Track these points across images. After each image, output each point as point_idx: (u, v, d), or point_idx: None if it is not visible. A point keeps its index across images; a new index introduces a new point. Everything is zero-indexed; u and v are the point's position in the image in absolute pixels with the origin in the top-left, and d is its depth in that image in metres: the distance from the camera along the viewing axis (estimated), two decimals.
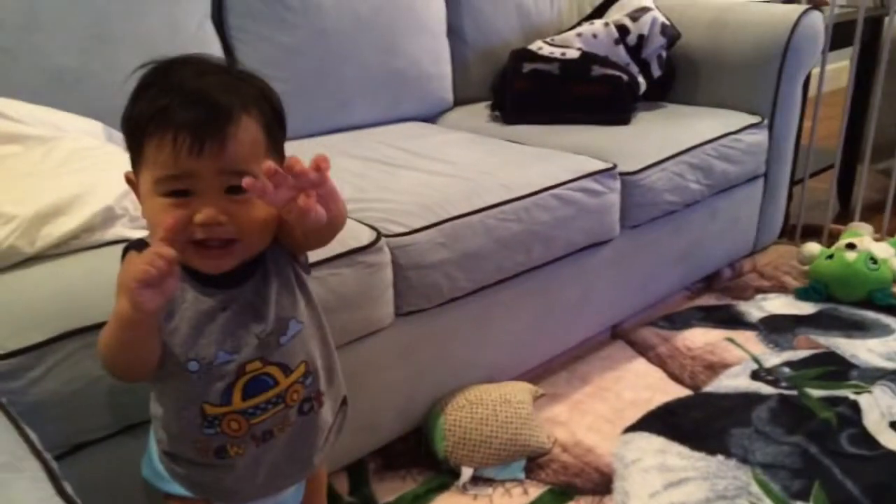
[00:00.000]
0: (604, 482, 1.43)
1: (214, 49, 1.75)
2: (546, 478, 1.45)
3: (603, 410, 1.65)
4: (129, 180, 0.86)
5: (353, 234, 1.30)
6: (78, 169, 1.22)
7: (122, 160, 1.32)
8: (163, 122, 0.77)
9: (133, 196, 1.19)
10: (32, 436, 0.79)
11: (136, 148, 0.80)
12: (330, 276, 1.24)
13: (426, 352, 1.47)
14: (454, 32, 2.22)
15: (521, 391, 1.53)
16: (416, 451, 1.51)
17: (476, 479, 1.44)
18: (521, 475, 1.45)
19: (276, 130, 0.86)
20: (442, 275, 1.40)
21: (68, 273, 1.08)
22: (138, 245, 0.85)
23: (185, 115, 0.76)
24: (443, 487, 1.42)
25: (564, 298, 1.73)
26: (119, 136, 1.49)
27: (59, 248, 1.12)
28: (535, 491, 1.41)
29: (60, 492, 0.70)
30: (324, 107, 1.94)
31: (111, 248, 1.15)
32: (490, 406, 1.46)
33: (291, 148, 1.73)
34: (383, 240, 1.32)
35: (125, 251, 0.87)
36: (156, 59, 0.83)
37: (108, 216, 1.17)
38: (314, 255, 1.22)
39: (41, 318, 0.99)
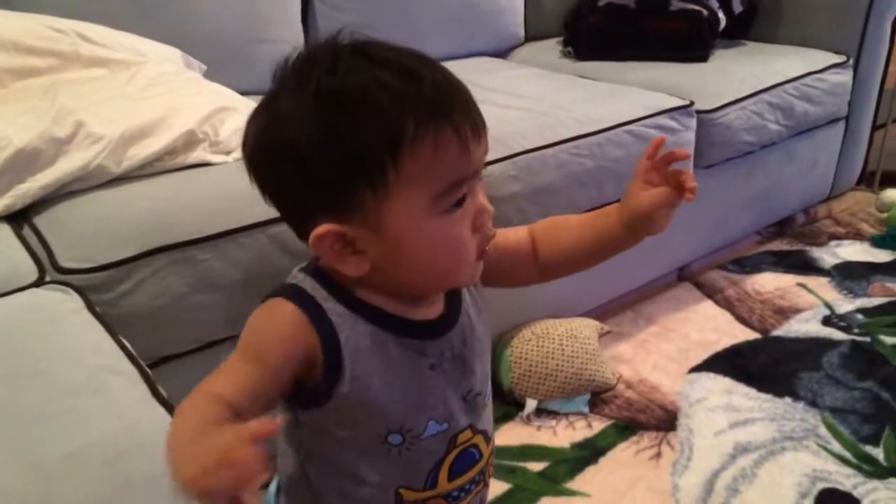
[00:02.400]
0: (668, 419, 1.43)
1: None
2: (610, 413, 1.46)
3: (668, 350, 1.64)
4: (320, 238, 0.59)
5: None
6: (161, 93, 1.25)
7: (202, 86, 1.36)
8: (431, 118, 0.57)
9: (215, 120, 1.23)
10: (127, 344, 0.83)
11: (380, 172, 0.57)
12: None
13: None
14: None
15: (587, 327, 1.53)
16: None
17: (540, 412, 1.46)
18: (586, 409, 1.46)
19: None
20: (513, 208, 1.40)
21: (153, 193, 1.12)
22: (295, 295, 0.63)
23: (450, 102, 0.59)
24: (507, 418, 1.45)
25: None
26: (197, 63, 1.52)
27: (144, 170, 1.16)
28: (599, 425, 1.43)
29: (155, 393, 0.74)
30: (396, 39, 1.89)
31: (193, 170, 1.19)
32: (556, 340, 1.47)
33: None
34: None
35: (270, 296, 0.64)
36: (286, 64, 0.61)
37: (190, 139, 1.19)
38: None
39: (129, 235, 1.03)
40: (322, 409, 0.62)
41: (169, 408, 0.71)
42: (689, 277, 1.94)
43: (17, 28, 1.25)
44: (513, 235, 0.78)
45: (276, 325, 0.61)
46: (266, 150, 0.61)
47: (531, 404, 1.44)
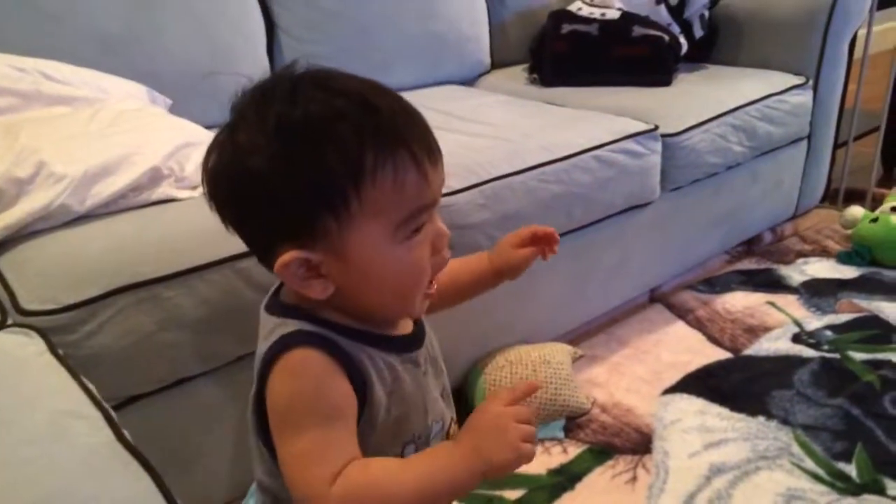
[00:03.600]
0: (643, 442, 1.43)
1: (255, 13, 1.76)
2: (585, 437, 1.46)
3: (641, 372, 1.65)
4: (285, 265, 0.61)
5: None
6: (125, 130, 1.24)
7: (166, 122, 1.35)
8: (390, 147, 0.58)
9: (179, 156, 1.23)
10: (90, 386, 0.81)
11: (342, 202, 0.59)
12: None
13: (465, 312, 1.47)
14: None
15: (559, 352, 1.54)
16: (456, 409, 1.52)
17: None
18: (561, 434, 1.46)
19: None
20: (483, 235, 1.41)
21: (118, 230, 1.10)
22: (308, 340, 0.63)
23: (407, 129, 0.60)
24: None
25: (603, 261, 1.72)
26: (161, 98, 1.52)
27: (108, 207, 1.15)
28: (575, 450, 1.42)
29: (120, 437, 0.73)
30: (363, 70, 1.85)
31: (159, 206, 1.18)
32: (530, 366, 1.47)
33: None
34: None
35: (286, 346, 0.63)
36: (244, 97, 0.63)
37: (156, 176, 1.19)
38: None
39: (93, 275, 1.02)
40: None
41: (133, 451, 0.70)
42: (661, 299, 1.95)
43: None
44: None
45: (324, 377, 0.61)
46: (228, 182, 0.62)
47: None
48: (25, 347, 0.84)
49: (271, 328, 0.65)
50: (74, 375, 0.81)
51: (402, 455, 0.68)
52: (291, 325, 0.64)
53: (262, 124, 0.59)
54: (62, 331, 0.96)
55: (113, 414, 0.76)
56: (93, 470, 0.67)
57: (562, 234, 1.55)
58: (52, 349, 0.85)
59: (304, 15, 1.85)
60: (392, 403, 0.66)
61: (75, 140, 1.18)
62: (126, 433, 0.74)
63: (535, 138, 1.55)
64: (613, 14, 2.02)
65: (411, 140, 0.60)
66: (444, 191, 1.33)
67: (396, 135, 0.59)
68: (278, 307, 0.67)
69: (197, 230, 1.09)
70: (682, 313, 1.88)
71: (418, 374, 0.70)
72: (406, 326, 0.72)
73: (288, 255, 0.60)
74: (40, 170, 1.09)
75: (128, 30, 1.55)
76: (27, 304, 0.97)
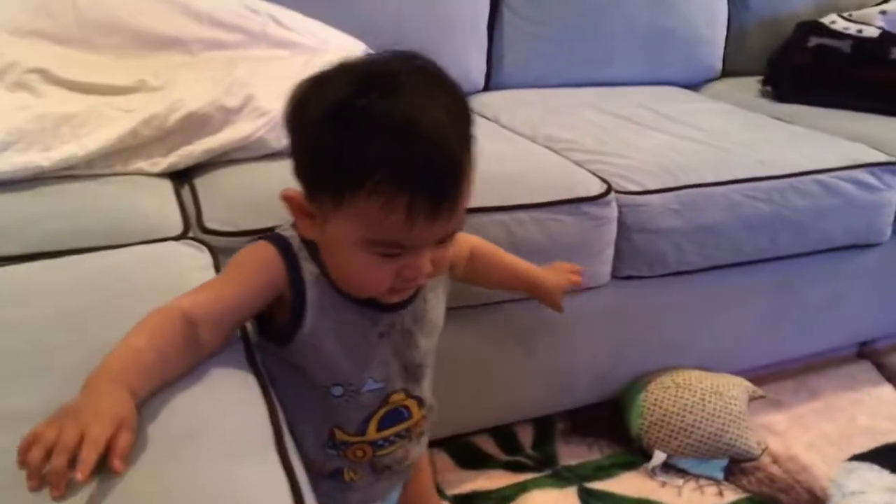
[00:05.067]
0: None
1: None
2: (747, 485, 1.31)
3: (829, 430, 1.46)
4: (288, 198, 0.69)
5: (582, 183, 1.24)
6: None
7: None
8: (396, 181, 0.62)
9: None
10: None
11: (339, 189, 0.64)
12: (550, 220, 1.19)
13: (638, 322, 1.39)
14: None
15: (736, 386, 1.39)
16: (610, 422, 1.43)
17: (668, 467, 1.34)
18: (720, 475, 1.33)
19: None
20: (670, 244, 1.30)
21: None
22: (281, 245, 0.72)
23: (425, 177, 0.63)
24: (630, 466, 1.35)
25: (808, 299, 1.54)
26: None
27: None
28: (732, 495, 1.29)
29: (250, 360, 0.74)
30: (583, 58, 1.88)
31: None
32: (698, 393, 1.35)
33: (543, 96, 1.73)
34: (613, 194, 1.25)
35: (260, 239, 0.74)
36: (365, 59, 0.70)
37: None
38: (535, 196, 1.19)
39: (274, 207, 1.00)
40: (285, 348, 0.73)
41: (257, 373, 0.71)
42: (871, 356, 1.72)
43: (217, 3, 1.32)
44: (456, 247, 0.82)
45: (259, 261, 0.72)
46: (291, 120, 0.69)
47: (659, 457, 1.33)
48: (193, 259, 0.89)
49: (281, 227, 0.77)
50: None
51: (329, 391, 0.75)
52: (290, 234, 0.74)
53: (334, 87, 0.65)
54: (233, 254, 1.00)
55: (248, 336, 0.78)
56: (210, 385, 0.67)
57: (762, 261, 1.43)
58: (218, 266, 0.89)
59: None
60: (328, 339, 0.73)
61: (285, 82, 1.20)
62: (258, 357, 0.75)
63: (750, 150, 1.42)
64: (872, 32, 1.81)
65: (418, 191, 0.62)
66: (636, 189, 1.27)
67: (409, 180, 0.62)
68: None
69: None
70: (892, 376, 1.65)
71: (373, 331, 0.75)
72: None
73: (294, 193, 0.69)
74: (248, 102, 1.15)
75: None
76: (209, 223, 1.02)
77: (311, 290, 0.71)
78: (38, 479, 0.51)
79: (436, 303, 0.81)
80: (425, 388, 0.83)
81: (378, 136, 0.62)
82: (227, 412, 0.65)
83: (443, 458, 1.33)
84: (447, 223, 0.66)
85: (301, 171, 0.68)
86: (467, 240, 0.94)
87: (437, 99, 0.64)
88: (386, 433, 0.80)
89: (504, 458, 1.35)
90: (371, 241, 0.66)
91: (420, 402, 0.82)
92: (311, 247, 0.72)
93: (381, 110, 0.62)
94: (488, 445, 1.37)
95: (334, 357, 0.74)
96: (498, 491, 1.27)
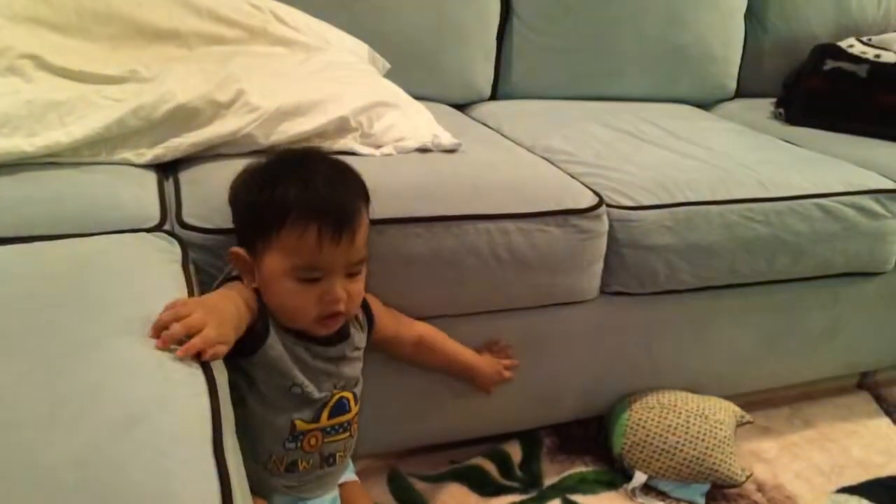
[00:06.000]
0: None
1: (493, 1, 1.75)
2: None
3: (820, 461, 1.43)
4: (237, 256, 0.90)
5: (573, 195, 1.23)
6: (329, 78, 1.27)
7: (372, 80, 1.37)
8: (307, 214, 0.85)
9: (371, 113, 1.24)
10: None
11: (268, 232, 0.87)
12: (537, 231, 1.17)
13: (627, 339, 1.36)
14: (753, 15, 2.02)
15: (723, 410, 1.36)
16: (594, 439, 1.41)
17: (648, 488, 1.32)
18: (701, 500, 1.30)
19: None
20: (662, 261, 1.28)
21: None
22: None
23: (327, 212, 0.86)
24: (609, 485, 1.32)
25: (805, 326, 1.51)
26: (382, 61, 1.55)
27: (290, 146, 1.17)
28: None
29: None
30: (593, 72, 1.87)
31: (337, 157, 1.19)
32: (683, 415, 1.32)
33: (548, 107, 1.72)
34: (604, 208, 1.23)
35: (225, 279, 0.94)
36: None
37: (342, 126, 1.20)
38: (523, 206, 1.18)
39: None
40: (250, 359, 0.89)
41: (206, 370, 0.70)
42: (871, 387, 1.69)
43: None
44: (405, 332, 1.13)
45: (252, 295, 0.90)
46: (234, 198, 0.95)
47: (640, 478, 1.30)
48: (162, 252, 0.89)
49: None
50: (190, 290, 0.83)
51: (289, 391, 0.93)
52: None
53: (260, 171, 0.93)
54: (210, 251, 0.99)
55: None
56: (159, 374, 0.67)
57: (759, 283, 1.40)
58: (185, 261, 0.89)
59: (544, 6, 1.80)
60: (283, 361, 0.92)
61: (279, 79, 1.23)
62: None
63: (751, 171, 1.39)
64: (890, 57, 1.77)
65: (324, 219, 0.86)
66: (629, 203, 1.25)
67: (317, 212, 0.86)
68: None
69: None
70: (891, 409, 1.61)
71: (317, 354, 0.95)
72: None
73: (237, 249, 0.90)
74: (238, 97, 1.14)
75: None
76: (187, 218, 1.01)
77: (271, 322, 0.91)
78: (157, 331, 0.71)
79: (352, 355, 1.01)
80: (358, 389, 1.03)
81: (291, 188, 0.87)
82: (170, 402, 0.64)
83: (459, 490, 1.29)
84: (349, 248, 0.88)
85: (241, 233, 0.92)
86: (415, 326, 1.14)
87: (335, 167, 0.94)
88: (335, 421, 0.99)
89: (501, 481, 1.32)
90: (293, 267, 0.87)
91: (355, 397, 1.02)
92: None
93: (294, 177, 0.89)
94: (490, 467, 1.34)
95: (288, 366, 0.92)
96: None
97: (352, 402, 1.01)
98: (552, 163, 1.37)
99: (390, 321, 1.10)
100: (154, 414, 0.62)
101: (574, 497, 1.28)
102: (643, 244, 1.26)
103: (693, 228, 1.28)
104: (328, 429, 0.98)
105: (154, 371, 0.67)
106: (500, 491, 1.29)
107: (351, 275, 0.91)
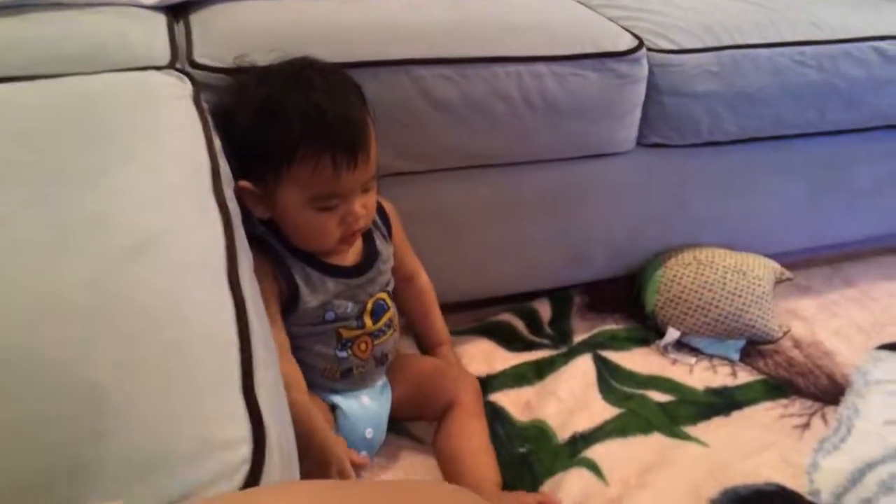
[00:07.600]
0: (832, 392, 1.21)
1: None
2: (763, 367, 1.26)
3: (860, 318, 1.39)
4: (241, 188, 0.86)
5: (611, 38, 1.14)
6: None
7: None
8: (319, 145, 0.84)
9: None
10: (216, 139, 0.79)
11: (277, 166, 0.85)
12: (572, 75, 1.10)
13: (663, 194, 1.31)
14: None
15: (762, 267, 1.32)
16: (626, 297, 1.38)
17: (681, 345, 1.29)
18: (735, 356, 1.28)
19: None
20: (705, 110, 1.21)
21: (310, 12, 1.07)
22: (267, 254, 0.92)
23: (339, 138, 0.84)
24: (642, 342, 1.30)
25: (853, 182, 1.44)
26: None
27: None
28: (746, 377, 1.24)
29: (216, 185, 0.69)
30: None
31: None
32: (720, 271, 1.28)
33: None
34: (644, 51, 1.15)
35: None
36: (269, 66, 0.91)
37: None
38: (557, 48, 1.10)
39: (266, 47, 0.97)
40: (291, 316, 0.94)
41: (220, 200, 0.66)
42: None
43: None
44: (408, 260, 1.12)
45: (263, 276, 0.80)
46: (225, 122, 0.85)
47: (672, 334, 1.28)
48: (172, 88, 0.84)
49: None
50: (205, 125, 0.79)
51: (323, 317, 0.96)
52: (264, 232, 0.93)
53: (256, 94, 0.86)
54: (220, 91, 0.94)
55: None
56: (169, 203, 0.64)
57: (806, 135, 1.32)
58: (197, 99, 0.84)
59: None
60: (317, 298, 0.95)
61: None
62: (224, 187, 0.70)
63: (804, 12, 1.29)
64: None
65: (337, 144, 0.84)
66: (671, 47, 1.17)
67: (328, 138, 0.84)
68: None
69: (381, 26, 1.04)
70: None
71: (351, 284, 0.98)
72: (348, 259, 0.98)
73: (243, 183, 0.86)
74: None
75: None
76: (198, 58, 0.96)
77: (297, 275, 0.93)
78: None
79: (385, 267, 1.03)
80: (390, 289, 1.05)
81: (294, 116, 0.84)
82: (181, 231, 0.61)
83: (486, 344, 1.28)
84: (365, 168, 0.87)
85: (244, 165, 0.85)
86: (419, 268, 1.14)
87: (333, 83, 0.87)
88: (379, 324, 1.01)
89: (530, 337, 1.30)
90: (312, 197, 0.87)
91: (389, 295, 1.04)
92: (281, 235, 0.93)
93: (295, 102, 0.84)
94: (518, 323, 1.32)
95: (322, 300, 0.95)
96: (515, 368, 1.22)
97: (388, 301, 1.03)
98: (589, 7, 1.28)
99: (400, 234, 1.08)
100: (166, 240, 0.59)
101: (605, 353, 1.26)
102: (685, 91, 1.18)
103: (739, 74, 1.20)
104: (375, 332, 1.01)
105: (165, 200, 0.64)
106: (528, 347, 1.28)
107: (366, 190, 0.91)
